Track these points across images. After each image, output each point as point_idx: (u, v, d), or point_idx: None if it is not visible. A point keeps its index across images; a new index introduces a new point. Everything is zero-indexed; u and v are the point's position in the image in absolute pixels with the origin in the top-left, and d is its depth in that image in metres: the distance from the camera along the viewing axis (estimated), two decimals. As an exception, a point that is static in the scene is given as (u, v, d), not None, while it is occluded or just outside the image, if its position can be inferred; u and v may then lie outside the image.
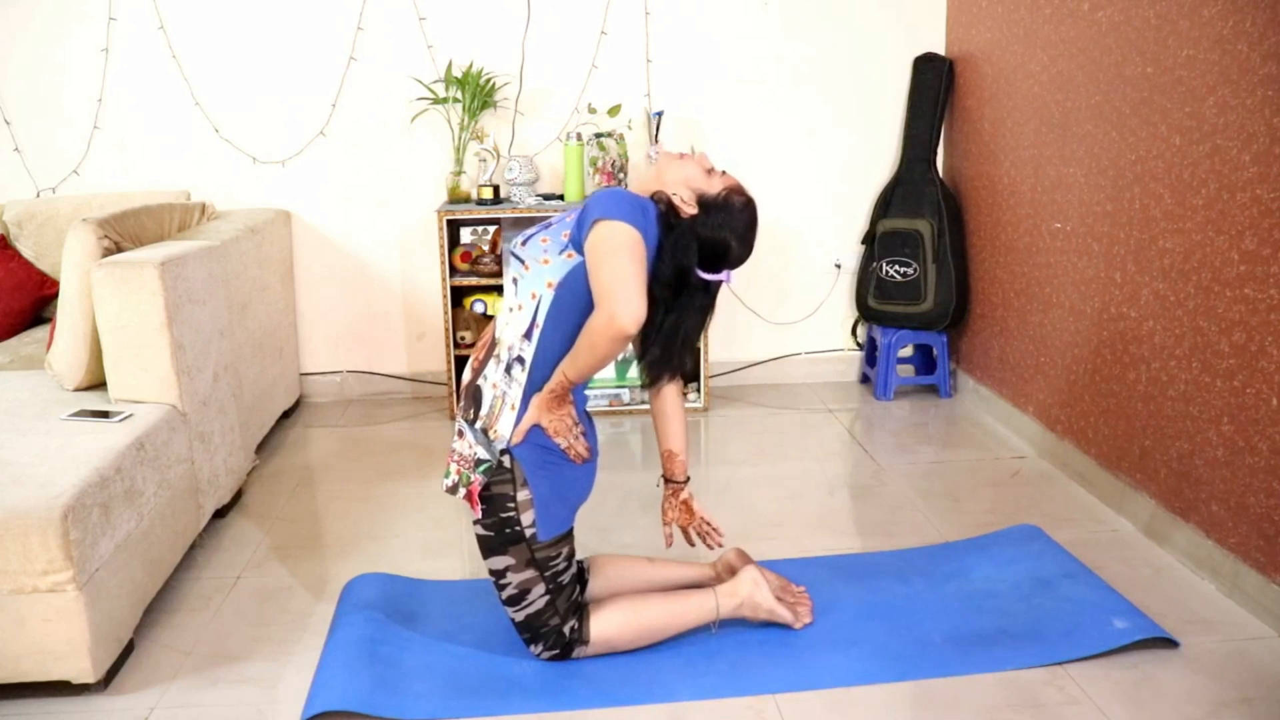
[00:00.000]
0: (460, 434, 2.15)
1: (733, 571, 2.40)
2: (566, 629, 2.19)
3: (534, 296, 2.07)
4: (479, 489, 2.10)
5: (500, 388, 2.10)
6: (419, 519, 3.03)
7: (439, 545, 2.86)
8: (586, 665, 2.21)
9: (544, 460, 2.10)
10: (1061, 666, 2.18)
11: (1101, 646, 2.21)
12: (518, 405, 2.08)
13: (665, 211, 2.08)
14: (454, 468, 2.15)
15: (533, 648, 2.21)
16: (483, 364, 2.15)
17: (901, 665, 2.20)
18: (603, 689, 2.14)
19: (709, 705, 2.10)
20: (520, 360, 2.08)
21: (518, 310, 2.10)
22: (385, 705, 2.05)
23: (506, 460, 2.08)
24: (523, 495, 2.09)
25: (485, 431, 2.10)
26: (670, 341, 2.12)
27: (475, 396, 2.14)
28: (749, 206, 2.14)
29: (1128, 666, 2.18)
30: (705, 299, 2.14)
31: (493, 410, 2.10)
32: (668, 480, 2.36)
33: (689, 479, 2.36)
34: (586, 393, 2.23)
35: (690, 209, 2.10)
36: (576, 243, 2.04)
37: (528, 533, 2.11)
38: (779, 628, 2.33)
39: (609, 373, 4.00)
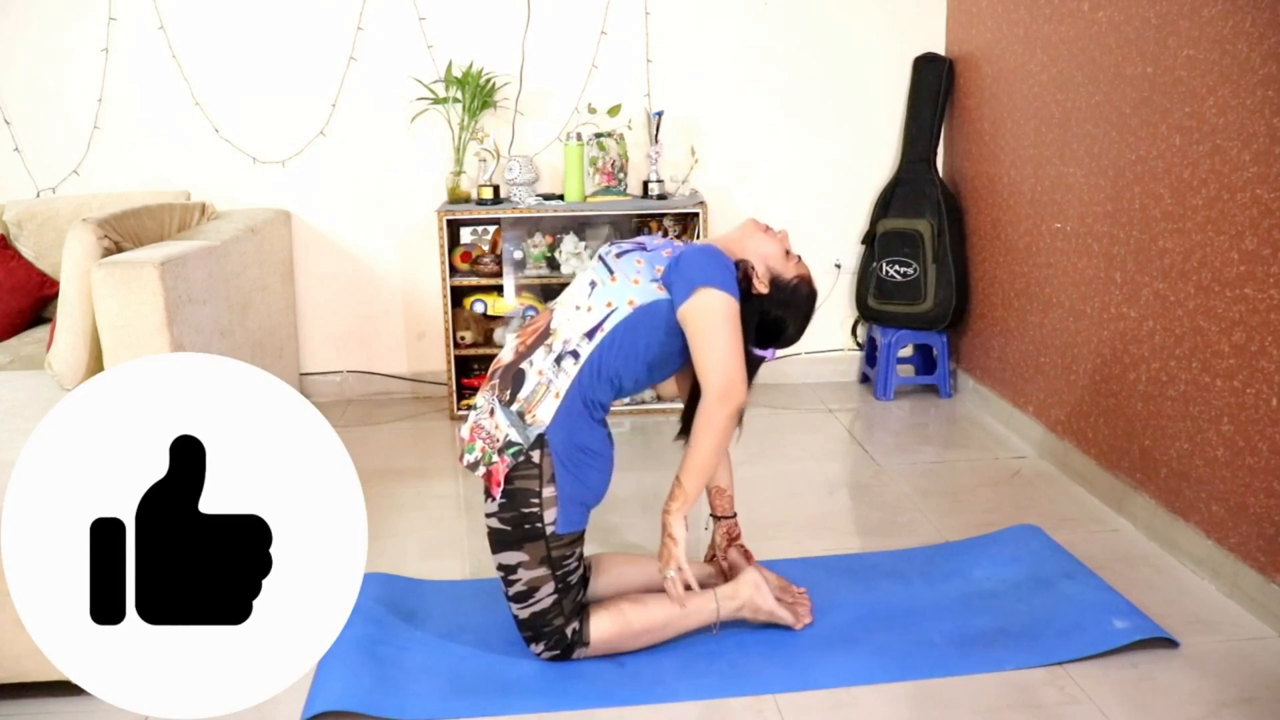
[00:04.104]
0: (491, 412, 2.16)
1: (734, 572, 2.40)
2: (569, 630, 2.19)
3: (609, 305, 2.15)
4: (500, 471, 2.11)
5: (546, 375, 2.13)
6: (419, 519, 3.03)
7: (439, 545, 2.86)
8: (586, 665, 2.21)
9: (576, 460, 2.12)
10: (1061, 666, 2.18)
11: (1101, 646, 2.21)
12: (562, 394, 2.12)
13: (741, 280, 2.19)
14: (479, 444, 2.14)
15: (533, 647, 2.21)
16: (530, 349, 2.19)
17: (901, 665, 2.20)
18: (603, 689, 2.14)
19: (709, 705, 2.10)
20: (575, 355, 2.13)
21: (585, 311, 2.16)
22: (385, 705, 2.05)
23: (535, 455, 2.09)
24: (548, 492, 2.10)
25: (522, 415, 2.12)
26: None
27: (516, 379, 2.16)
28: (812, 298, 2.31)
29: (1128, 666, 2.18)
30: (749, 370, 2.23)
31: (534, 395, 2.13)
32: (718, 517, 2.45)
33: (736, 514, 2.46)
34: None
35: (763, 287, 2.22)
36: (668, 282, 2.14)
37: (548, 530, 2.11)
38: (779, 628, 2.33)
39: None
